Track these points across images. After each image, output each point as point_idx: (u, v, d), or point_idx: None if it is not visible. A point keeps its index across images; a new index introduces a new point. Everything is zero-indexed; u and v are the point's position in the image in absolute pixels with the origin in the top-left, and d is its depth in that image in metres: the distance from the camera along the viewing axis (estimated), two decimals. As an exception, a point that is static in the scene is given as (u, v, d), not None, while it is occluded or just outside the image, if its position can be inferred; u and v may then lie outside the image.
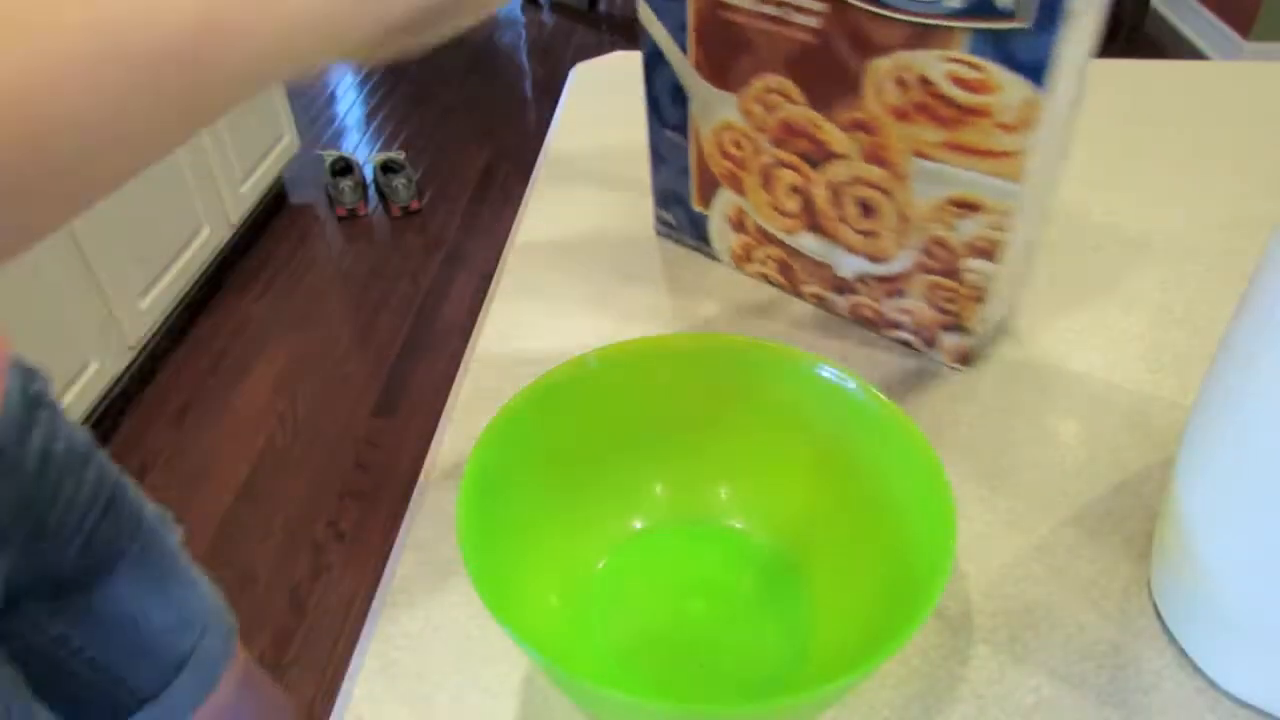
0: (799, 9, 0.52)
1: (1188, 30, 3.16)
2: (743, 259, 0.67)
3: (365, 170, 2.62)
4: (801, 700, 0.34)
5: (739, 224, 0.66)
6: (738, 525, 0.48)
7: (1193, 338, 0.61)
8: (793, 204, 0.61)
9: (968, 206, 0.53)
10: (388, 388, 1.95)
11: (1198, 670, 0.43)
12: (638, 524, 0.48)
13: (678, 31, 0.59)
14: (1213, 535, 0.40)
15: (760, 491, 0.48)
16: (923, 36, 0.49)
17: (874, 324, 0.62)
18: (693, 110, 0.63)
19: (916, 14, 0.48)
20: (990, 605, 0.46)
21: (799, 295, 0.65)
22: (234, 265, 2.33)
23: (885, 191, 0.56)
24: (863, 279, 0.61)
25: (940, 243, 0.55)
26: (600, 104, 0.90)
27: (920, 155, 0.53)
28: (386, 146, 2.79)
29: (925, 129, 0.52)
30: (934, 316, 0.58)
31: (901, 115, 0.52)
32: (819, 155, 0.57)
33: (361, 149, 2.78)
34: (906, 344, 0.61)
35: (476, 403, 0.58)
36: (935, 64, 0.49)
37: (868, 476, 0.44)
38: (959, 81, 0.49)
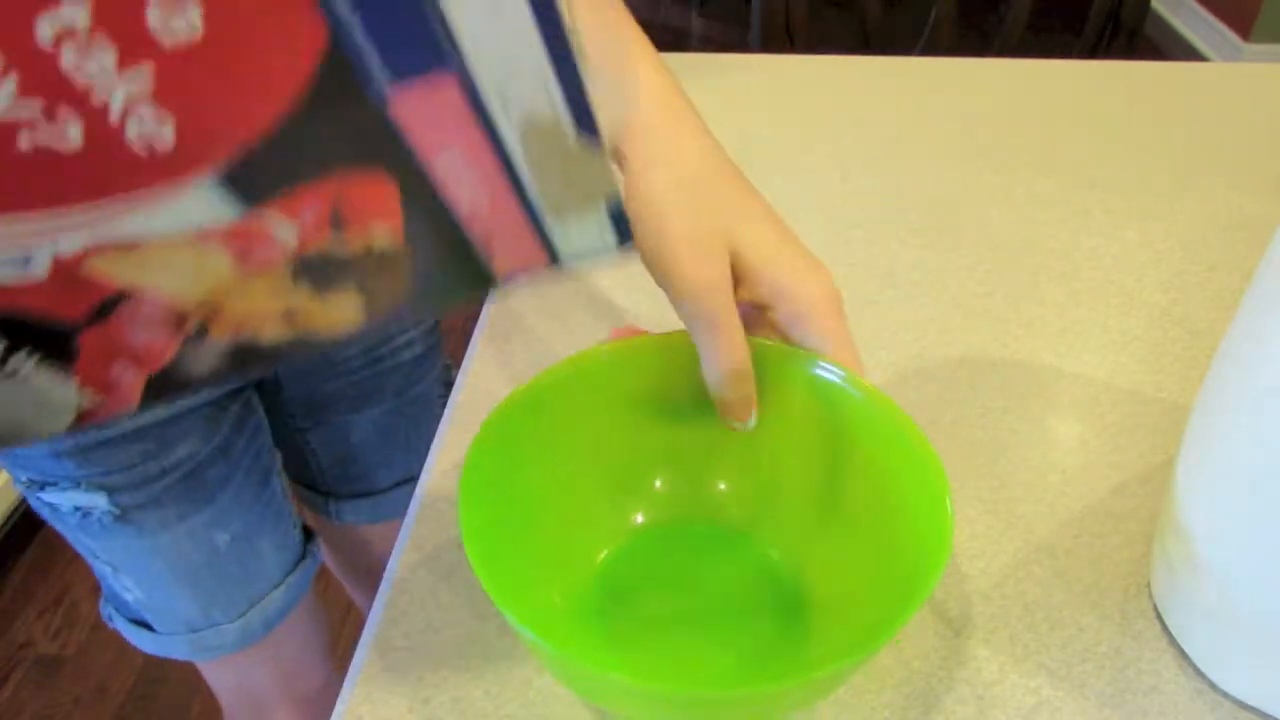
0: None
1: (1188, 32, 3.17)
2: None
3: (365, 170, 2.63)
4: (796, 683, 0.34)
5: None
6: (737, 521, 0.48)
7: (1193, 338, 0.61)
8: None
9: None
10: (387, 388, 1.95)
11: (1198, 671, 0.43)
12: (638, 519, 0.48)
13: None
14: (1213, 536, 0.40)
15: (759, 488, 0.48)
16: None
17: None
18: None
19: None
20: (990, 606, 0.46)
21: None
22: (234, 265, 2.33)
23: None
24: None
25: None
26: (600, 104, 0.90)
27: None
28: (386, 147, 2.80)
29: None
30: None
31: None
32: None
33: (361, 149, 2.79)
34: None
35: (476, 403, 0.58)
36: None
37: (866, 474, 0.44)
38: None
